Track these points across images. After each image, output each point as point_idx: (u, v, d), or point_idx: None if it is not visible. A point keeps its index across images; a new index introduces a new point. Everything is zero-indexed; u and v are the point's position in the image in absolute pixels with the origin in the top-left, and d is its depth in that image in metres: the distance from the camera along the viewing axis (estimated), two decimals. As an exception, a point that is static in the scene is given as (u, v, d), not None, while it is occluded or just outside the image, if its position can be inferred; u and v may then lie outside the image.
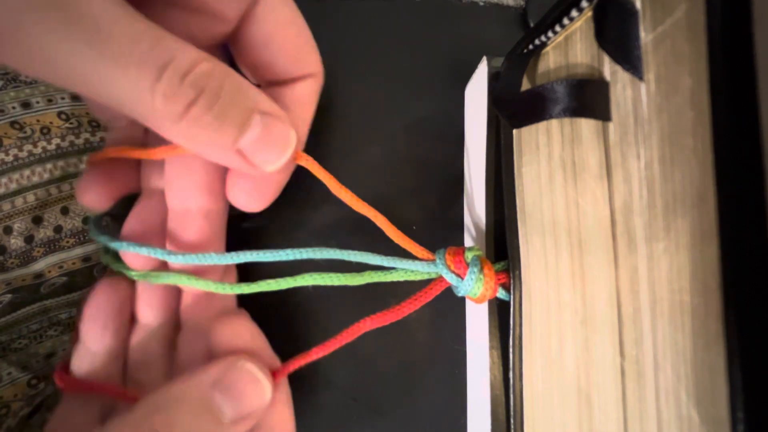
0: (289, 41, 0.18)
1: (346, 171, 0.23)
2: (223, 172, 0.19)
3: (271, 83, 0.19)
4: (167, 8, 0.16)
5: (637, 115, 0.11)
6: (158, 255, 0.18)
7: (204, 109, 0.14)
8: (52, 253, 0.22)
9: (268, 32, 0.17)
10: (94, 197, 0.19)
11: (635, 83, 0.11)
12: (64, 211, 0.23)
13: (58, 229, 0.23)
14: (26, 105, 0.22)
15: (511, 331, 0.17)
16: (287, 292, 0.19)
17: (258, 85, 0.19)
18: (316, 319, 0.22)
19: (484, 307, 0.19)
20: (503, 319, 0.18)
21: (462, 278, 0.17)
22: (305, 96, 0.19)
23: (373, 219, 0.18)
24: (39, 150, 0.22)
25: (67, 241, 0.23)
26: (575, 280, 0.14)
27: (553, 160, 0.15)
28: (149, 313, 0.19)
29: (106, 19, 0.13)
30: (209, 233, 0.19)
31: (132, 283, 0.19)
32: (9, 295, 0.22)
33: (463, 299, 0.22)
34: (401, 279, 0.18)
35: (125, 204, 0.20)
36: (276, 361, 0.18)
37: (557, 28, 0.14)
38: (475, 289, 0.17)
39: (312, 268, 0.18)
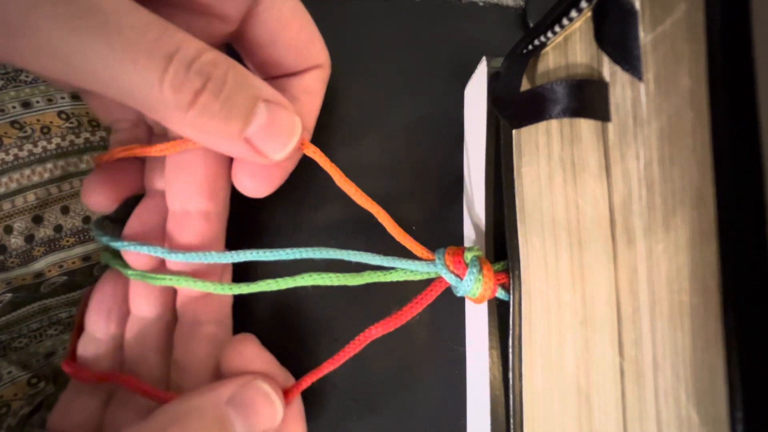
0: (292, 38, 0.18)
1: (346, 171, 0.23)
2: (223, 174, 0.19)
3: (278, 76, 0.19)
4: (169, 9, 0.16)
5: (637, 115, 0.11)
6: (159, 254, 0.18)
7: (211, 97, 0.14)
8: (53, 253, 0.22)
9: (271, 30, 0.18)
10: (99, 199, 0.19)
11: (634, 83, 0.11)
12: (65, 211, 0.23)
13: (58, 228, 0.23)
14: (26, 104, 0.22)
15: (511, 331, 0.17)
16: (286, 293, 0.19)
17: (265, 79, 0.20)
18: (317, 319, 0.22)
19: (483, 307, 0.19)
20: (503, 319, 0.18)
21: (461, 278, 0.17)
22: (312, 86, 0.19)
23: (375, 214, 0.18)
24: (39, 149, 0.22)
25: (67, 241, 0.23)
26: (575, 280, 0.14)
27: (552, 160, 0.15)
28: (144, 306, 0.19)
29: (113, 11, 0.13)
30: (209, 235, 0.19)
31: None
32: (9, 295, 0.22)
33: (462, 299, 0.22)
34: (400, 279, 0.18)
35: (126, 206, 0.20)
36: (290, 379, 0.18)
37: (557, 28, 0.14)
38: (474, 289, 0.17)
39: (311, 268, 0.18)
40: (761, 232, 0.08)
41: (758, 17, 0.08)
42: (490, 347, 0.18)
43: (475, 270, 0.17)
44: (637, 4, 0.10)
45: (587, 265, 0.13)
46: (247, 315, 0.20)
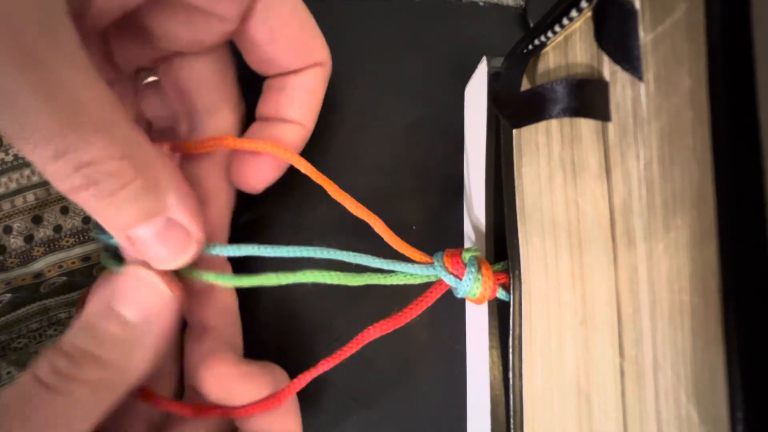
0: (292, 37, 0.18)
1: (346, 171, 0.23)
2: (224, 175, 0.19)
3: (279, 74, 0.19)
4: (169, 9, 0.16)
5: (637, 115, 0.11)
6: None
7: (89, 197, 0.13)
8: (52, 253, 0.22)
9: (270, 29, 0.18)
10: None
11: (635, 83, 0.11)
12: (64, 211, 0.23)
13: (57, 228, 0.23)
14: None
15: (511, 331, 0.17)
16: (287, 293, 0.19)
17: (265, 77, 0.20)
18: (317, 319, 0.22)
19: (483, 308, 0.19)
20: (503, 319, 0.18)
21: (460, 279, 0.17)
22: (313, 84, 0.19)
23: (371, 223, 0.18)
24: (39, 150, 0.22)
25: (67, 241, 0.23)
26: (575, 280, 0.14)
27: (552, 160, 0.15)
28: None
29: (63, 84, 0.12)
30: (209, 236, 0.19)
31: None
32: (9, 295, 0.22)
33: (462, 299, 0.22)
34: (400, 283, 0.18)
35: None
36: (285, 378, 0.19)
37: (557, 28, 0.14)
38: (474, 289, 0.17)
39: (312, 268, 0.18)
40: (761, 232, 0.08)
41: (758, 17, 0.08)
42: (490, 347, 0.18)
43: (473, 270, 0.17)
44: (637, 4, 0.10)
45: (587, 265, 0.13)
46: (247, 315, 0.20)
